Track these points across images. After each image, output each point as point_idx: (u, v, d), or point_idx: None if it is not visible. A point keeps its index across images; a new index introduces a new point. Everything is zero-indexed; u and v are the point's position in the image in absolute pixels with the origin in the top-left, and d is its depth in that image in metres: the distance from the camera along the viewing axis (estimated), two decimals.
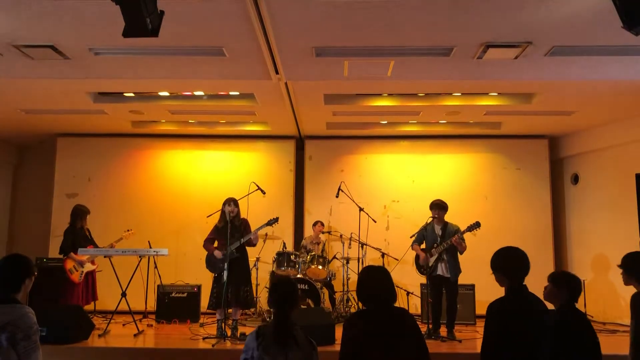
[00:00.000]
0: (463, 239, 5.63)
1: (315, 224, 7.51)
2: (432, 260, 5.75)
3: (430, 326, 5.70)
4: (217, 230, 5.79)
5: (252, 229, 5.74)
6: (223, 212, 5.73)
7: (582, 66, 5.01)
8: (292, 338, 2.70)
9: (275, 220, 5.79)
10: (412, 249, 6.02)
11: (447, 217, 5.95)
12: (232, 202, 5.72)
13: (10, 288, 2.66)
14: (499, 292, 2.97)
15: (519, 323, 2.74)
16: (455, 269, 5.75)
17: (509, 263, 2.92)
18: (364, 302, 2.90)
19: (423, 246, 5.98)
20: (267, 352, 2.64)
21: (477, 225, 5.49)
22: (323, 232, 7.56)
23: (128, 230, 6.82)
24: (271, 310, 5.49)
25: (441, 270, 5.74)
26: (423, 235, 5.95)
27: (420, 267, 5.94)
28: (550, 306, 2.97)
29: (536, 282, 3.30)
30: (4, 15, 3.96)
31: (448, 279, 5.72)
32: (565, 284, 3.13)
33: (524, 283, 2.90)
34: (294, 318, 2.81)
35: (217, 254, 5.66)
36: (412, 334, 2.77)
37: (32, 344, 2.54)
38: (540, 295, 2.99)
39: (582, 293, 7.02)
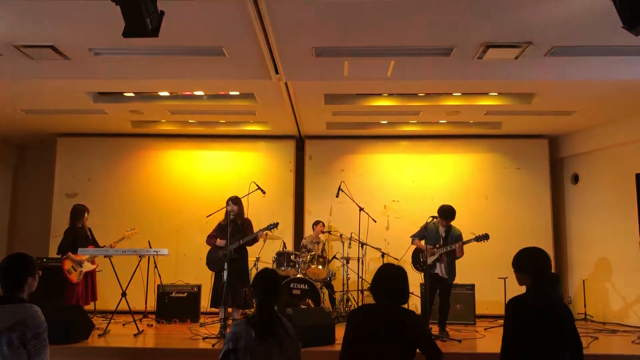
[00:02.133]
0: (462, 247, 5.68)
1: (316, 224, 7.50)
2: (432, 258, 5.79)
3: (430, 326, 5.71)
4: (220, 227, 5.81)
5: (255, 229, 5.76)
6: (227, 211, 5.75)
7: (582, 66, 5.01)
8: (281, 327, 2.71)
9: (275, 225, 5.81)
10: (413, 243, 6.02)
11: None
12: (231, 201, 5.73)
13: (15, 287, 2.66)
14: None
15: (540, 319, 2.73)
16: (453, 271, 5.82)
17: (534, 262, 2.89)
18: (374, 296, 2.97)
19: (421, 242, 6.01)
20: (262, 343, 2.63)
21: (485, 237, 5.49)
22: (323, 232, 7.57)
23: (132, 229, 6.76)
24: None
25: (440, 270, 5.79)
26: (423, 234, 5.97)
27: (417, 262, 5.97)
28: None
29: None
30: (4, 15, 3.96)
31: (445, 280, 5.79)
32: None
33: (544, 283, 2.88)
34: (278, 307, 2.83)
35: (220, 242, 5.66)
36: (410, 336, 2.79)
37: (42, 342, 2.56)
38: None
39: (582, 293, 7.11)
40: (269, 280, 2.84)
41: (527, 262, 2.90)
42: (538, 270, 2.86)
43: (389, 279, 2.94)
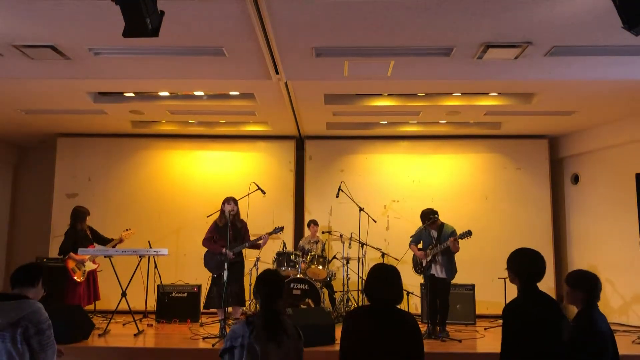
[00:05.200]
0: (457, 241, 5.69)
1: (309, 224, 7.49)
2: (425, 260, 5.88)
3: (431, 326, 5.73)
4: (218, 228, 5.79)
5: (251, 231, 5.79)
6: (222, 211, 5.73)
7: (582, 66, 5.00)
8: (281, 328, 2.73)
9: (281, 229, 5.87)
10: (410, 248, 6.10)
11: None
12: (231, 200, 5.74)
13: (23, 285, 2.71)
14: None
15: (535, 323, 2.72)
16: (451, 269, 5.86)
17: (522, 264, 2.91)
18: (369, 298, 2.92)
19: (420, 246, 6.09)
20: (258, 341, 2.65)
21: (468, 233, 5.56)
22: (323, 232, 7.56)
23: (128, 230, 6.77)
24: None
25: (435, 270, 5.87)
26: (420, 237, 6.03)
27: (416, 265, 6.08)
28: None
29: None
30: (4, 15, 3.96)
31: (442, 280, 5.84)
32: (579, 286, 3.06)
33: (536, 284, 2.88)
34: (281, 308, 2.84)
35: (230, 254, 5.61)
36: (410, 337, 2.77)
37: (47, 339, 2.57)
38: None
39: None
40: (271, 282, 2.86)
41: (514, 261, 2.93)
42: (523, 271, 2.88)
43: (383, 279, 2.88)
